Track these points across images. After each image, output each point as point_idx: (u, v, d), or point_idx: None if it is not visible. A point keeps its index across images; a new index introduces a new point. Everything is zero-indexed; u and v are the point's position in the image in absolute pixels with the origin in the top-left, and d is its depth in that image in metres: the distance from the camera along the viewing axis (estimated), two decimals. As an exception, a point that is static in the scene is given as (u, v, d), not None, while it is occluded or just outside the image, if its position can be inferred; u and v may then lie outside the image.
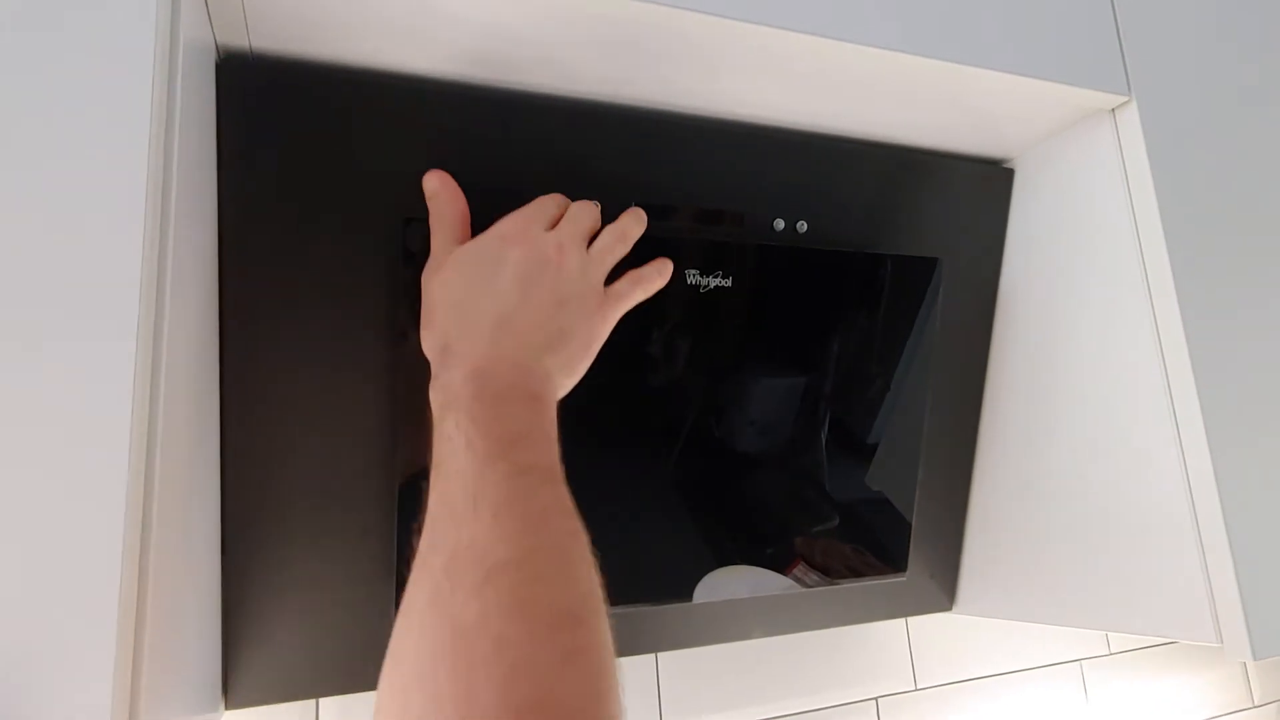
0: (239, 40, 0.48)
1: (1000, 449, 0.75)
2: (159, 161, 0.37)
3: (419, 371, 0.52)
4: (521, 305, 0.45)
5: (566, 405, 0.56)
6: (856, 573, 0.70)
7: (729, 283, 0.59)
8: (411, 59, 0.52)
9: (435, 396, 0.45)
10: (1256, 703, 1.21)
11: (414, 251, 0.52)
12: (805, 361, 0.66)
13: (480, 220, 0.50)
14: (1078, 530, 0.67)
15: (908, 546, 0.73)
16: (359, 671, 0.56)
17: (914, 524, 0.73)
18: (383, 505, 0.55)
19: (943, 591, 0.79)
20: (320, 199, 0.51)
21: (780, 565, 0.67)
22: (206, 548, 0.49)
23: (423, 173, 0.51)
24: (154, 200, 0.36)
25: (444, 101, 0.54)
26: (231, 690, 0.54)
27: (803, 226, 0.64)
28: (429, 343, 0.48)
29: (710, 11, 0.49)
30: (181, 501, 0.42)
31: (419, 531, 0.39)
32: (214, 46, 0.48)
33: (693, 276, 0.58)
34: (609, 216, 0.52)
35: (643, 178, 0.59)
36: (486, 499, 0.38)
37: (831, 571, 0.69)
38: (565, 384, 0.48)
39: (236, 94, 0.48)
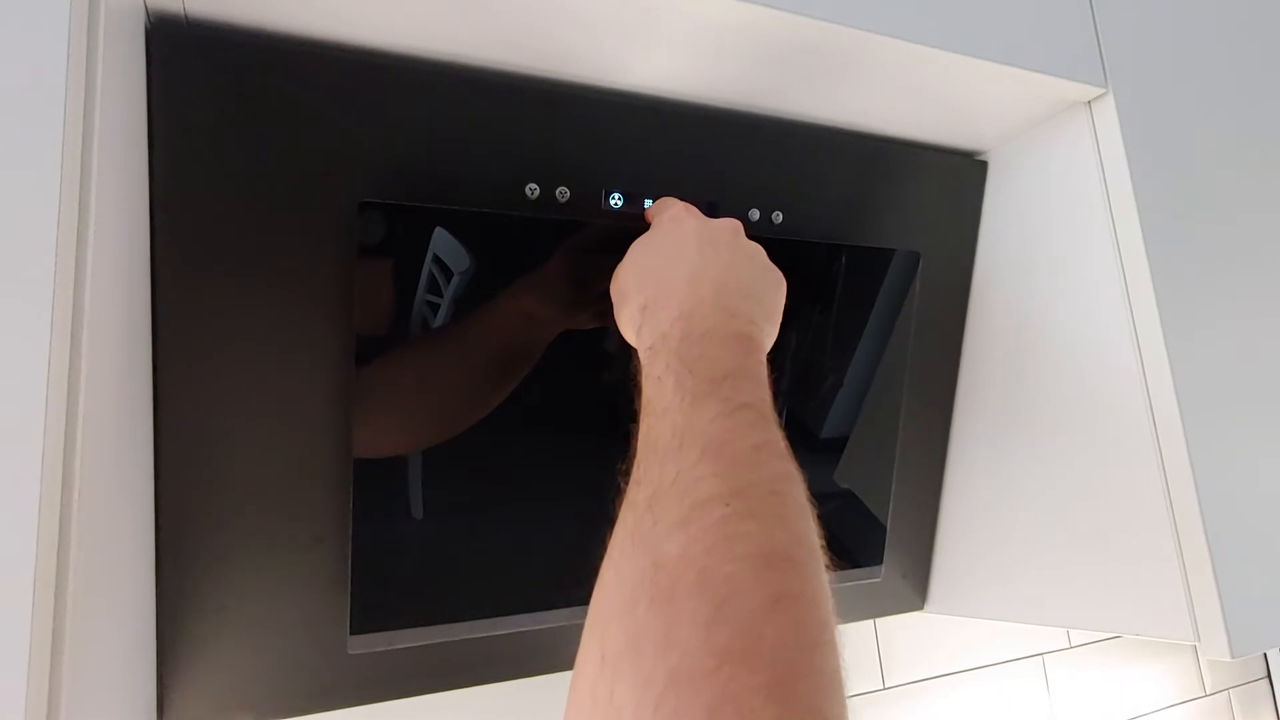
0: (172, 4, 0.44)
1: (973, 446, 0.74)
2: (77, 136, 0.33)
3: (376, 365, 0.49)
4: (710, 262, 0.46)
5: (523, 403, 0.53)
6: None
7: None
8: (367, 31, 0.49)
9: (643, 342, 0.44)
10: (1208, 691, 1.24)
11: (370, 238, 0.48)
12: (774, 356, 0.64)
13: (441, 208, 0.47)
14: (1052, 528, 0.66)
15: (864, 541, 0.72)
16: (310, 692, 0.52)
17: (888, 524, 0.72)
18: (336, 512, 0.52)
19: (915, 591, 0.78)
20: (265, 180, 0.47)
21: None
22: (138, 555, 0.45)
23: (379, 153, 0.47)
24: (71, 177, 0.33)
25: (402, 78, 0.50)
26: (168, 712, 0.49)
27: (778, 217, 0.62)
28: (625, 315, 0.47)
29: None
30: (107, 505, 0.38)
31: (626, 474, 0.37)
32: (144, 10, 0.43)
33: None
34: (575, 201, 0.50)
35: (614, 164, 0.56)
36: (694, 436, 0.35)
37: None
38: (768, 330, 0.47)
39: (170, 63, 0.44)
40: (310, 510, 0.51)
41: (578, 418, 0.60)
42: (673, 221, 0.49)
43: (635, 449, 0.38)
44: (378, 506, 0.52)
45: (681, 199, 0.58)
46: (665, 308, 0.43)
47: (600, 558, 0.34)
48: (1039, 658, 1.08)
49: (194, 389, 0.47)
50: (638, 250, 0.49)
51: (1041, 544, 0.67)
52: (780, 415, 0.65)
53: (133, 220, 0.42)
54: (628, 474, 0.37)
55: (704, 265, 0.45)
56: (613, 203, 0.55)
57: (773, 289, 0.48)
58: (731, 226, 0.49)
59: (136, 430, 0.44)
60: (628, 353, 0.57)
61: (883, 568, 0.72)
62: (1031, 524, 0.68)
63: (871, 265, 0.67)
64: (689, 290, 0.44)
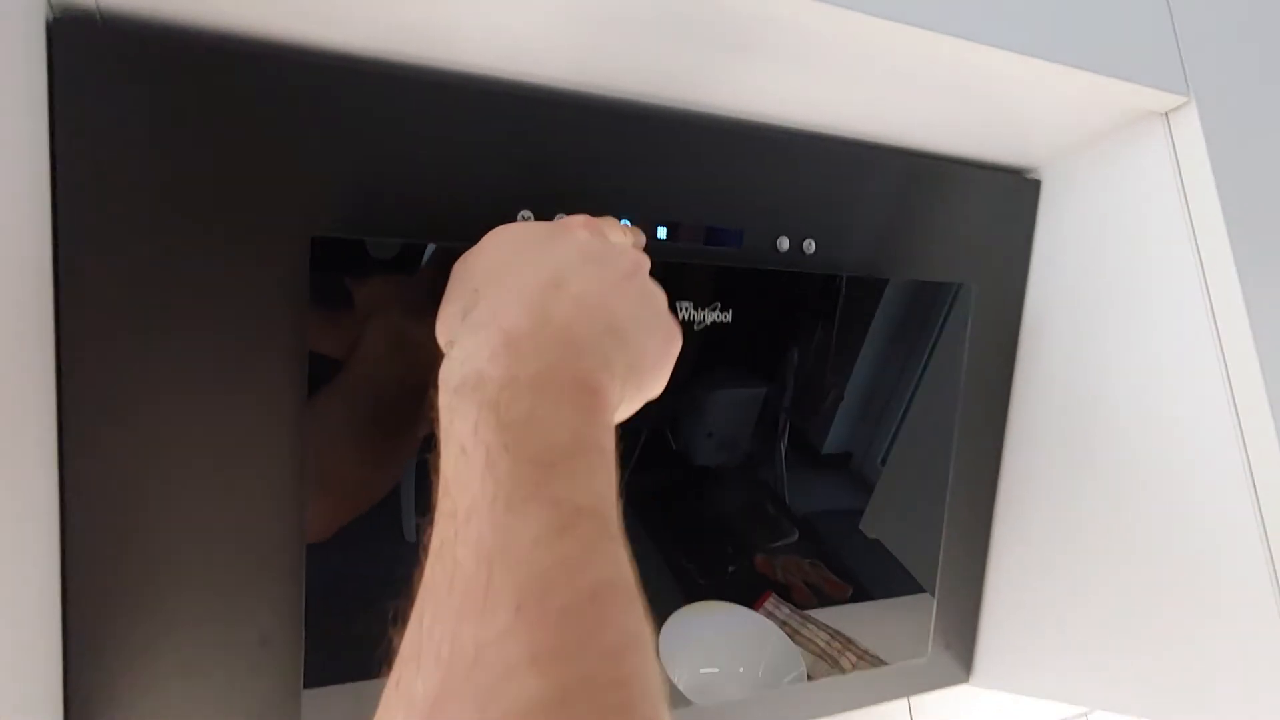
0: (80, -6, 0.36)
1: (1026, 499, 0.66)
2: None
3: (329, 423, 0.40)
4: (579, 276, 0.33)
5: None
6: (816, 590, 0.61)
7: (728, 317, 0.48)
8: (319, 29, 0.40)
9: (448, 374, 0.30)
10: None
11: (323, 275, 0.40)
12: (810, 395, 0.56)
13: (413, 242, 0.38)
14: (1126, 596, 0.57)
15: (898, 598, 0.64)
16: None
17: (936, 592, 0.63)
18: (284, 602, 0.43)
19: (958, 663, 0.69)
20: (195, 205, 0.38)
21: (749, 597, 0.59)
22: (34, 663, 0.36)
23: (337, 174, 0.39)
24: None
25: (363, 85, 0.41)
26: None
27: (810, 246, 0.53)
28: (443, 315, 0.36)
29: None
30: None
31: (399, 621, 0.25)
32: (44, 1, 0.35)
33: (686, 310, 0.47)
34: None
35: (620, 185, 0.48)
36: (507, 572, 0.24)
37: (794, 590, 0.61)
38: (628, 388, 0.33)
39: (77, 64, 0.36)
40: (253, 604, 0.42)
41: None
42: (562, 224, 0.37)
43: (423, 565, 0.26)
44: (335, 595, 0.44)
45: (703, 225, 0.50)
46: (493, 322, 0.31)
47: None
48: (1084, 718, 0.99)
49: (106, 452, 0.39)
50: (493, 237, 0.36)
51: (1112, 615, 0.58)
52: (783, 433, 0.57)
53: (23, 246, 0.34)
54: (402, 618, 0.25)
55: (569, 276, 0.33)
56: (621, 232, 0.47)
57: (657, 339, 0.36)
58: (635, 258, 0.37)
59: (30, 512, 0.36)
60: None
61: (929, 644, 0.63)
62: (1099, 590, 0.59)
63: (934, 301, 0.60)
64: (534, 300, 0.31)
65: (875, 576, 0.64)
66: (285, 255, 0.39)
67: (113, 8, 0.37)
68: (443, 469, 0.28)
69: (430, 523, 0.27)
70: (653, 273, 0.37)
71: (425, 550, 0.26)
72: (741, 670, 0.61)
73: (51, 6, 0.36)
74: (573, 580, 0.24)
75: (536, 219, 0.45)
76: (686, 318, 0.47)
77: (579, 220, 0.37)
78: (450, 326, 0.35)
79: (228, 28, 0.39)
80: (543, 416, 0.28)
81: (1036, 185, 0.64)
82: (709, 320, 0.48)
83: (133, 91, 0.37)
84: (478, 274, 0.35)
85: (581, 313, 0.32)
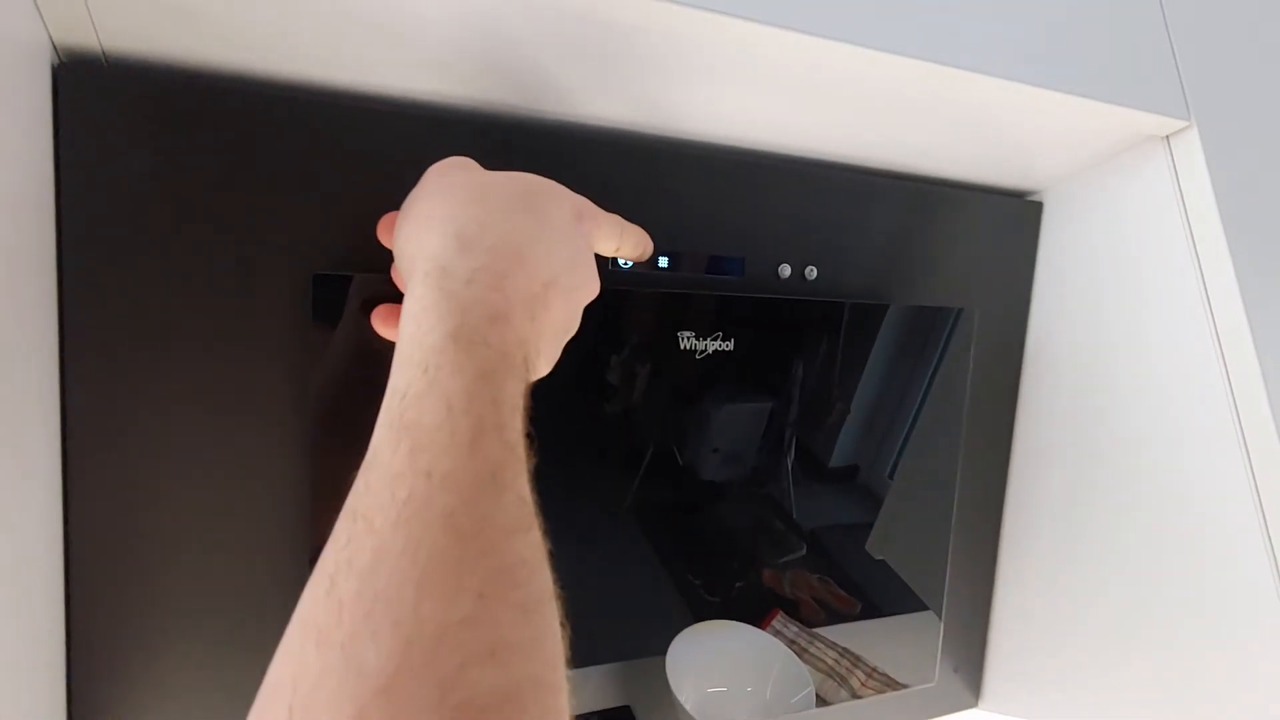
0: (84, 39, 0.36)
1: (1033, 520, 0.65)
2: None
3: (335, 450, 0.41)
4: (544, 230, 0.33)
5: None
6: (825, 605, 0.61)
7: (730, 345, 0.48)
8: (319, 70, 0.41)
9: (431, 280, 0.30)
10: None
11: (326, 310, 0.40)
12: (816, 410, 0.56)
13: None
14: (1133, 619, 0.57)
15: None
16: None
17: (943, 613, 0.63)
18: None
19: (967, 686, 0.68)
20: (200, 244, 0.39)
21: (757, 613, 0.59)
22: (37, 683, 0.36)
23: (339, 213, 0.39)
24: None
25: (363, 123, 0.42)
26: None
27: (812, 273, 0.53)
28: (415, 225, 0.33)
29: (696, 5, 0.38)
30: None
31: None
32: (49, 45, 0.36)
33: (687, 340, 0.47)
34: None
35: (622, 215, 0.48)
36: (480, 558, 0.24)
37: (802, 606, 0.60)
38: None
39: (82, 107, 0.36)
40: (261, 634, 0.42)
41: (576, 454, 0.51)
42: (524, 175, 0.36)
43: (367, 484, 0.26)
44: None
45: (704, 253, 0.50)
46: (481, 249, 0.30)
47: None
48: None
49: (111, 482, 0.39)
50: (465, 172, 0.35)
51: (1121, 639, 0.57)
52: (789, 448, 0.57)
53: (28, 282, 0.34)
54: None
55: (538, 229, 0.32)
56: (621, 262, 0.47)
57: (576, 311, 0.35)
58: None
59: (34, 542, 0.36)
60: (632, 382, 0.48)
61: (937, 667, 0.63)
62: (1107, 613, 0.59)
63: (937, 326, 0.60)
64: (525, 246, 0.32)
65: (884, 592, 0.64)
66: (288, 292, 0.39)
67: (117, 51, 0.37)
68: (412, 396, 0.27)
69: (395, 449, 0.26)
70: (655, 303, 0.37)
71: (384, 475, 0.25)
72: (749, 690, 0.60)
73: (57, 51, 0.36)
74: (533, 580, 0.25)
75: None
76: (688, 346, 0.47)
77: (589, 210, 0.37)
78: (419, 243, 0.32)
79: (231, 69, 0.40)
80: (497, 383, 0.28)
81: (1039, 208, 0.64)
82: (710, 349, 0.48)
83: (137, 133, 0.37)
84: (442, 195, 0.33)
85: (551, 277, 0.32)
